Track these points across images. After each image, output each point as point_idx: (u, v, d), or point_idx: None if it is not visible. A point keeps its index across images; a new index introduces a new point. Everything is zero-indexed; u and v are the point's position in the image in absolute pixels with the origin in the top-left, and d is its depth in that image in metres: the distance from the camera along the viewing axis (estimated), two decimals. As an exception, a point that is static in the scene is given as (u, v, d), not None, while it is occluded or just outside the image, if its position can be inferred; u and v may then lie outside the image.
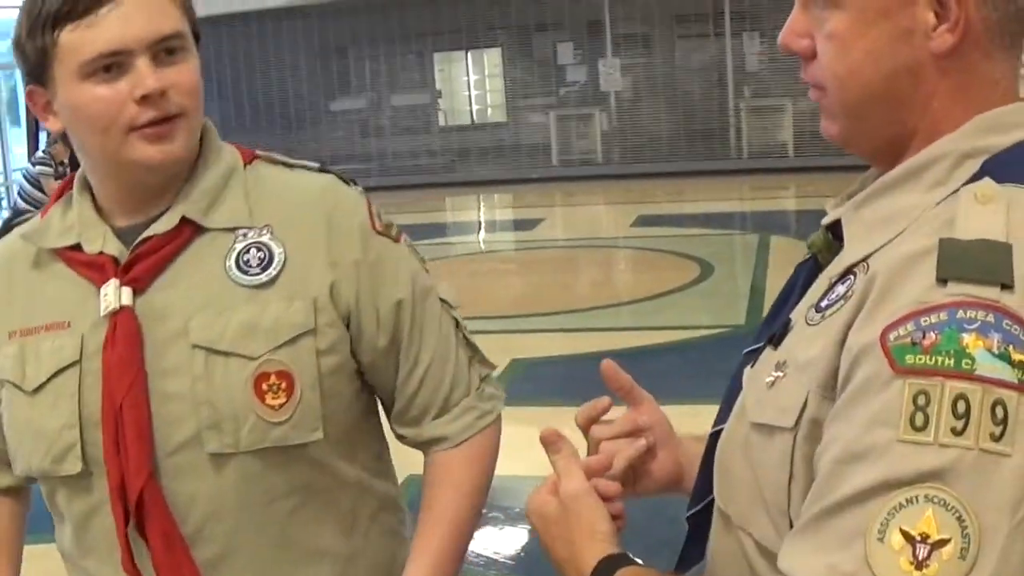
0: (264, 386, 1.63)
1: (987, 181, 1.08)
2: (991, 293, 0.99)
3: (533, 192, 17.96)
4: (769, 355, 1.20)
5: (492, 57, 20.78)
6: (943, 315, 0.98)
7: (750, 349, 1.28)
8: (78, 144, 1.70)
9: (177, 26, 1.63)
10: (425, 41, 20.36)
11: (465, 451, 1.79)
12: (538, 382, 7.53)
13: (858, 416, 1.01)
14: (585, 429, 1.49)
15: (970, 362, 0.96)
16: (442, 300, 1.79)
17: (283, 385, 1.64)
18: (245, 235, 1.69)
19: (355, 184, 1.80)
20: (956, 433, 0.96)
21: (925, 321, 0.99)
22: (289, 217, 1.70)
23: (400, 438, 1.83)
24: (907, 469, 0.97)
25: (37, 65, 1.63)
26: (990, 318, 0.97)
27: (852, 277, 1.11)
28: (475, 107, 21.20)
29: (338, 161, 17.75)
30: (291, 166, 1.79)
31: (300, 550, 1.72)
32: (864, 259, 1.11)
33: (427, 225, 14.10)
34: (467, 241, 15.10)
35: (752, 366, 1.24)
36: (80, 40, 1.58)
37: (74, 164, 13.60)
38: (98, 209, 1.72)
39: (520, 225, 15.94)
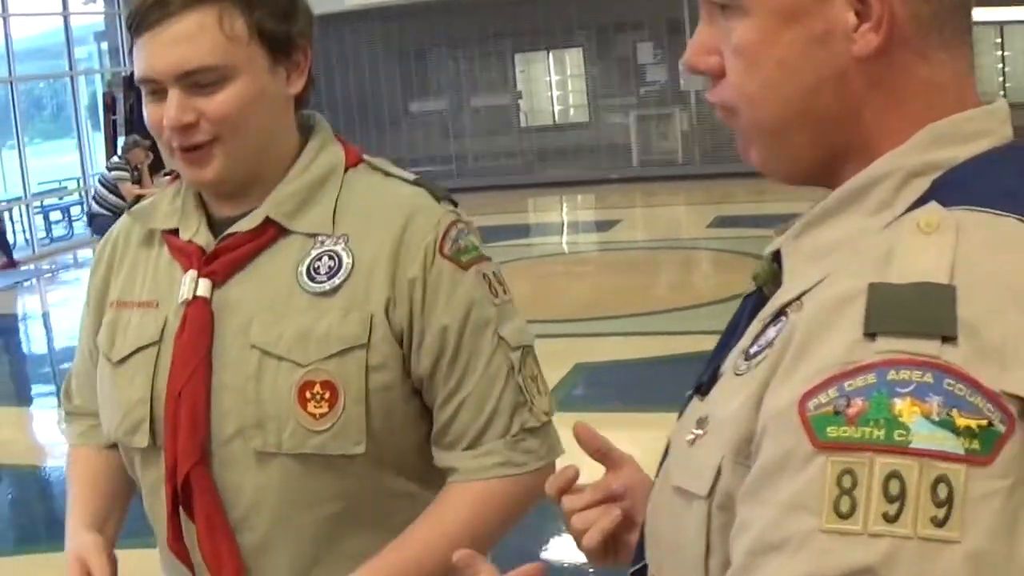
0: (308, 394, 1.65)
1: (932, 206, 0.91)
2: (929, 348, 0.82)
3: (614, 192, 17.83)
4: (695, 407, 1.04)
5: (573, 57, 20.75)
6: (871, 377, 0.83)
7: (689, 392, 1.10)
8: None
9: (206, 60, 1.62)
10: (505, 42, 20.35)
11: (474, 490, 1.72)
12: (601, 387, 7.41)
13: (774, 498, 0.85)
14: (556, 499, 1.34)
15: (904, 432, 0.80)
16: (501, 339, 1.73)
17: (327, 395, 1.65)
18: (323, 242, 1.70)
19: (449, 201, 1.77)
20: (889, 519, 0.80)
21: (850, 385, 0.83)
22: (366, 229, 1.70)
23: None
24: (832, 565, 0.81)
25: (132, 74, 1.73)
26: (928, 378, 0.81)
27: (784, 319, 0.94)
28: (556, 107, 21.14)
29: (418, 163, 17.77)
30: (388, 174, 1.79)
31: (342, 552, 1.72)
32: (799, 297, 0.94)
33: (506, 227, 14.02)
34: (544, 242, 15.01)
35: (679, 417, 1.08)
36: (135, 57, 1.67)
37: (154, 168, 13.78)
38: (198, 197, 1.78)
39: (598, 226, 15.87)
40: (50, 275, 15.33)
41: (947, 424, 0.80)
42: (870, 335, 0.84)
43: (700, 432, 0.98)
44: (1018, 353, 0.82)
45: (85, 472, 1.92)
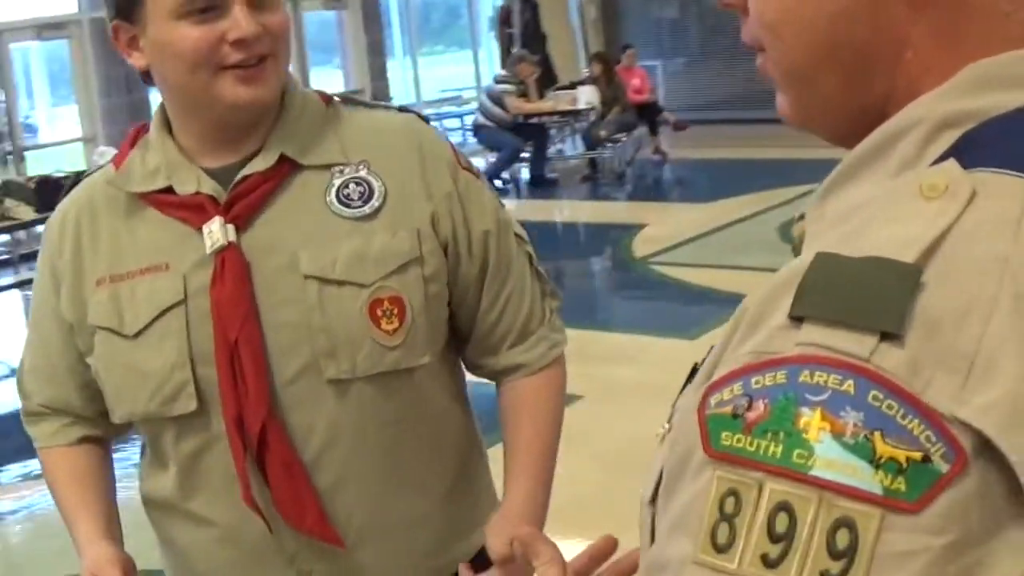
0: (379, 311, 1.69)
1: (947, 164, 0.71)
2: (859, 346, 0.63)
3: None
4: (679, 396, 0.83)
5: None
6: (781, 375, 0.65)
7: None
8: (163, 84, 1.73)
9: None
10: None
11: (541, 378, 1.85)
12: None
13: (669, 509, 0.71)
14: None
15: (805, 454, 0.62)
16: (517, 235, 1.85)
17: (395, 310, 1.69)
18: (342, 171, 1.73)
19: (429, 122, 1.86)
20: (768, 564, 0.62)
21: (757, 382, 0.66)
22: (382, 153, 1.75)
23: (474, 369, 1.90)
24: None
25: (128, 2, 1.67)
26: (848, 386, 0.63)
27: None
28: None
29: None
30: (370, 106, 1.86)
31: (405, 479, 1.79)
32: None
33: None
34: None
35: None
36: None
37: (541, 83, 14.05)
38: (182, 152, 1.75)
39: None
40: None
41: (863, 451, 0.61)
42: (796, 320, 0.66)
43: (667, 427, 0.81)
44: (993, 370, 0.62)
45: (73, 474, 1.85)
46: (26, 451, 6.16)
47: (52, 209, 6.68)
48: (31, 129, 17.49)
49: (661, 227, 10.71)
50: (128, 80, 13.28)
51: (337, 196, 1.71)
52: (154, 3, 1.64)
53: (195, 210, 1.71)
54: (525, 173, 14.17)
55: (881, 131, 0.77)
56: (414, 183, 1.74)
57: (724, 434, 0.66)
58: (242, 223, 1.70)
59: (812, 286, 0.67)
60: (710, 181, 13.51)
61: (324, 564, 1.77)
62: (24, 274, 9.74)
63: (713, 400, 0.68)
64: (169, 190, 1.73)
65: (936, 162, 0.72)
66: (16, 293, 9.62)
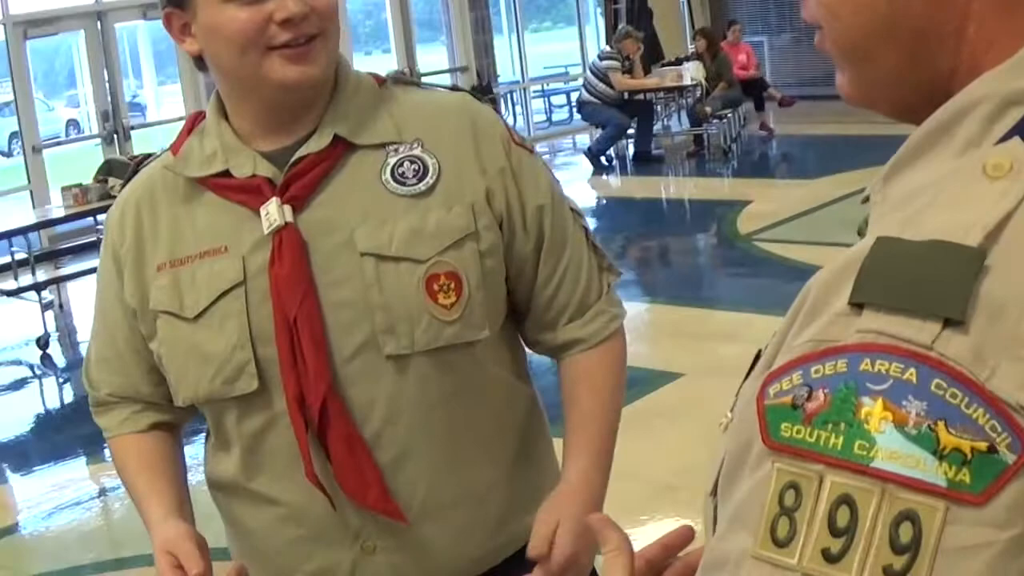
0: (435, 286, 1.69)
1: (1013, 143, 0.69)
2: (921, 333, 0.62)
3: None
4: (743, 382, 0.81)
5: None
6: (842, 363, 0.63)
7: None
8: (215, 68, 1.74)
9: None
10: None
11: (600, 352, 1.84)
12: None
13: (729, 501, 0.70)
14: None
15: (866, 445, 0.61)
16: (572, 209, 1.85)
17: (452, 285, 1.70)
18: (396, 150, 1.74)
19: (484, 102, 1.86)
20: (830, 559, 0.61)
21: (816, 371, 0.64)
22: (436, 131, 1.76)
23: (533, 345, 1.90)
24: None
25: None
26: (910, 374, 0.61)
27: None
28: None
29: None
30: (424, 87, 1.87)
31: (467, 454, 1.79)
32: None
33: None
34: None
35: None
36: None
37: (646, 59, 13.92)
38: (238, 136, 1.76)
39: None
40: (547, 157, 15.90)
41: (927, 441, 0.60)
42: (857, 306, 0.65)
43: (730, 416, 0.79)
44: None
45: (142, 460, 1.85)
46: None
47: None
48: (138, 108, 17.79)
49: (766, 203, 10.56)
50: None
51: (392, 174, 1.72)
52: None
53: (252, 192, 1.73)
54: (631, 149, 14.06)
55: (945, 109, 0.74)
56: (468, 159, 1.75)
57: (784, 425, 0.64)
58: (299, 204, 1.71)
59: (872, 272, 0.65)
60: (816, 157, 13.30)
61: (388, 540, 1.77)
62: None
63: (772, 390, 0.66)
64: (226, 174, 1.75)
65: (1001, 141, 0.70)
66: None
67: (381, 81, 1.82)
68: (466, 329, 1.72)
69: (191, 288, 1.74)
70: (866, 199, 0.80)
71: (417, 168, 1.72)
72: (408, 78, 1.88)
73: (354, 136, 1.73)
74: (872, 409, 0.61)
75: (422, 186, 1.72)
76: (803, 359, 0.65)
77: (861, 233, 0.81)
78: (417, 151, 1.73)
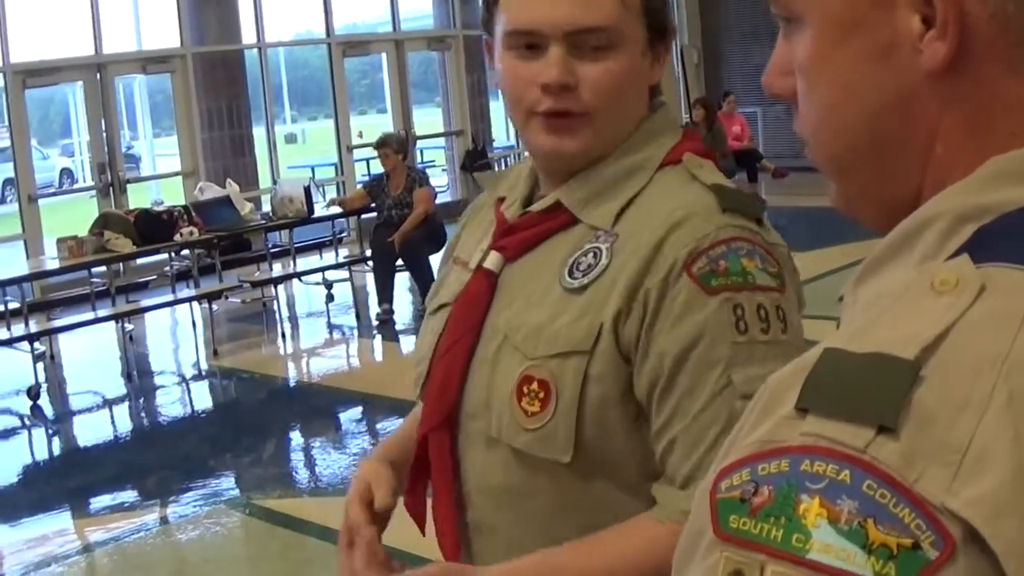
0: (525, 389, 1.60)
1: (959, 260, 0.73)
2: (856, 438, 0.66)
3: None
4: None
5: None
6: (784, 463, 0.68)
7: None
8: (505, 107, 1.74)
9: (603, 20, 1.58)
10: None
11: (655, 527, 1.54)
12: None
13: None
14: None
15: (803, 538, 0.65)
16: (731, 382, 1.50)
17: (541, 395, 1.58)
18: (597, 237, 1.62)
19: (744, 215, 1.56)
20: None
21: (763, 469, 0.69)
22: (636, 231, 1.58)
23: None
24: None
25: (486, 19, 1.69)
26: (844, 475, 0.66)
27: None
28: None
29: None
30: (695, 177, 1.61)
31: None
32: None
33: None
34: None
35: None
36: (509, 9, 1.62)
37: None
38: (532, 171, 1.76)
39: None
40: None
41: (857, 537, 0.64)
42: (801, 410, 0.69)
43: None
44: (983, 464, 0.65)
45: (410, 419, 1.94)
46: (113, 482, 6.23)
47: (151, 242, 6.87)
48: (133, 159, 17.83)
49: (759, 275, 10.55)
50: (230, 114, 13.49)
51: (574, 261, 1.62)
52: (498, 27, 1.65)
53: (498, 227, 1.74)
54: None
55: (908, 222, 0.79)
56: (631, 272, 1.55)
57: (732, 517, 0.68)
58: (508, 255, 1.70)
59: (817, 380, 0.70)
60: (807, 230, 13.34)
61: None
62: (121, 306, 9.87)
63: (723, 484, 0.70)
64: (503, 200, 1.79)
65: (952, 256, 0.74)
66: (112, 325, 9.74)
67: (676, 160, 1.64)
68: (541, 444, 1.58)
69: (443, 287, 1.82)
70: (840, 298, 0.86)
71: (591, 264, 1.59)
72: (693, 165, 1.63)
73: (579, 209, 1.64)
74: (809, 506, 0.65)
75: (577, 284, 1.59)
76: (752, 457, 0.70)
77: (838, 326, 0.86)
78: (604, 245, 1.60)
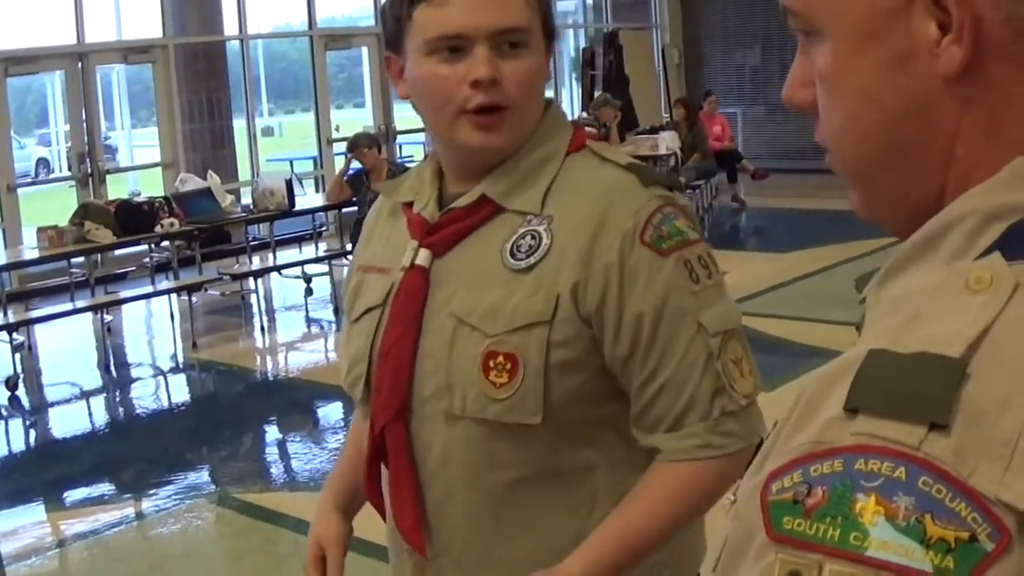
0: (491, 363, 1.74)
1: (992, 258, 0.75)
2: (909, 436, 0.68)
3: None
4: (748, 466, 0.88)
5: None
6: (838, 463, 0.69)
7: None
8: (420, 113, 1.85)
9: (520, 21, 1.75)
10: None
11: (676, 470, 1.76)
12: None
13: None
14: None
15: (861, 536, 0.66)
16: (700, 325, 1.74)
17: (508, 366, 1.73)
18: (529, 222, 1.78)
19: (660, 185, 1.80)
20: None
21: (815, 470, 0.69)
22: (569, 212, 1.76)
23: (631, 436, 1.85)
24: None
25: (394, 34, 1.81)
26: (900, 473, 0.67)
27: None
28: None
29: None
30: (605, 160, 1.83)
31: (519, 518, 1.81)
32: None
33: None
34: None
35: None
36: (429, 19, 1.74)
37: (623, 126, 14.01)
38: (437, 173, 1.90)
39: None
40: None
41: (915, 532, 0.65)
42: (851, 411, 0.71)
43: (733, 498, 0.85)
44: None
45: (352, 441, 2.11)
46: (90, 474, 6.19)
47: (131, 233, 6.84)
48: (110, 150, 17.74)
49: (738, 276, 10.56)
50: (210, 106, 13.44)
51: (512, 246, 1.77)
52: (411, 39, 1.77)
53: (416, 228, 1.86)
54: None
55: (933, 223, 0.80)
56: (579, 247, 1.73)
57: (785, 518, 0.69)
58: (437, 251, 1.82)
59: (865, 380, 0.71)
60: (787, 231, 13.41)
61: (431, 568, 1.88)
62: (100, 297, 9.84)
63: (775, 487, 0.71)
64: (412, 204, 1.90)
65: (983, 254, 0.76)
66: (89, 317, 9.71)
67: (579, 146, 1.84)
68: (512, 411, 1.74)
69: (362, 295, 1.94)
70: (862, 301, 0.87)
71: (532, 245, 1.76)
72: (598, 149, 1.84)
73: (503, 199, 1.79)
74: (866, 504, 0.66)
75: (523, 264, 1.75)
76: (803, 459, 0.71)
77: (859, 328, 0.88)
78: (541, 227, 1.76)
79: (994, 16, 0.76)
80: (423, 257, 1.82)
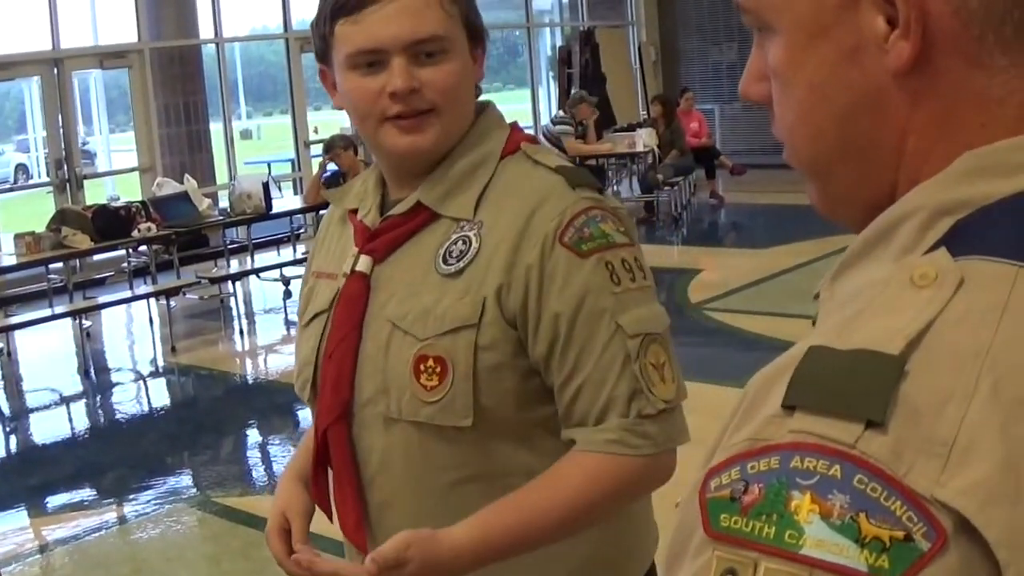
0: (422, 367, 1.78)
1: (937, 253, 0.75)
2: (845, 433, 0.67)
3: None
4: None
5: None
6: (774, 461, 0.68)
7: None
8: (352, 124, 1.93)
9: (435, 30, 1.78)
10: None
11: (586, 461, 1.75)
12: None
13: None
14: None
15: (796, 534, 0.66)
16: (619, 327, 1.74)
17: (438, 369, 1.77)
18: (463, 227, 1.81)
19: (588, 188, 1.81)
20: None
21: (752, 467, 0.69)
22: (499, 216, 1.79)
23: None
24: None
25: (322, 50, 1.86)
26: (835, 471, 0.66)
27: None
28: None
29: None
30: (537, 163, 1.85)
31: (461, 519, 1.76)
32: None
33: None
34: None
35: None
36: (348, 34, 1.78)
37: (601, 124, 14.01)
38: (380, 181, 1.94)
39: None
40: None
41: (850, 531, 0.64)
42: (789, 408, 0.70)
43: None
44: (971, 455, 0.66)
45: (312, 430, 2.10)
46: (71, 480, 6.18)
47: (109, 238, 6.85)
48: (88, 155, 17.69)
49: (716, 272, 10.65)
50: (187, 110, 13.40)
51: (444, 251, 1.81)
52: (336, 53, 1.82)
53: (359, 235, 1.90)
54: (580, 214, 14.05)
55: (884, 217, 0.81)
56: (504, 250, 1.77)
57: (723, 516, 0.69)
58: (378, 256, 1.87)
59: (803, 377, 0.71)
60: (766, 226, 13.44)
61: None
62: (78, 303, 9.81)
63: (713, 483, 0.71)
64: (356, 211, 1.95)
65: (930, 250, 0.76)
66: (68, 322, 9.68)
67: (515, 148, 1.86)
68: (443, 413, 1.77)
69: (313, 300, 1.98)
70: (816, 295, 0.87)
71: (463, 250, 1.79)
72: (532, 152, 1.86)
73: (437, 206, 1.83)
74: (801, 502, 0.66)
75: (453, 268, 1.78)
76: (741, 456, 0.70)
77: (815, 323, 0.88)
78: (471, 232, 1.79)
79: (943, 10, 0.76)
80: (364, 263, 1.87)
